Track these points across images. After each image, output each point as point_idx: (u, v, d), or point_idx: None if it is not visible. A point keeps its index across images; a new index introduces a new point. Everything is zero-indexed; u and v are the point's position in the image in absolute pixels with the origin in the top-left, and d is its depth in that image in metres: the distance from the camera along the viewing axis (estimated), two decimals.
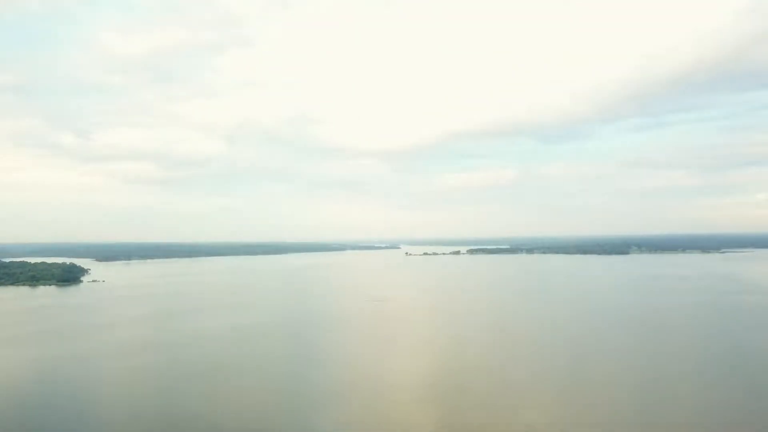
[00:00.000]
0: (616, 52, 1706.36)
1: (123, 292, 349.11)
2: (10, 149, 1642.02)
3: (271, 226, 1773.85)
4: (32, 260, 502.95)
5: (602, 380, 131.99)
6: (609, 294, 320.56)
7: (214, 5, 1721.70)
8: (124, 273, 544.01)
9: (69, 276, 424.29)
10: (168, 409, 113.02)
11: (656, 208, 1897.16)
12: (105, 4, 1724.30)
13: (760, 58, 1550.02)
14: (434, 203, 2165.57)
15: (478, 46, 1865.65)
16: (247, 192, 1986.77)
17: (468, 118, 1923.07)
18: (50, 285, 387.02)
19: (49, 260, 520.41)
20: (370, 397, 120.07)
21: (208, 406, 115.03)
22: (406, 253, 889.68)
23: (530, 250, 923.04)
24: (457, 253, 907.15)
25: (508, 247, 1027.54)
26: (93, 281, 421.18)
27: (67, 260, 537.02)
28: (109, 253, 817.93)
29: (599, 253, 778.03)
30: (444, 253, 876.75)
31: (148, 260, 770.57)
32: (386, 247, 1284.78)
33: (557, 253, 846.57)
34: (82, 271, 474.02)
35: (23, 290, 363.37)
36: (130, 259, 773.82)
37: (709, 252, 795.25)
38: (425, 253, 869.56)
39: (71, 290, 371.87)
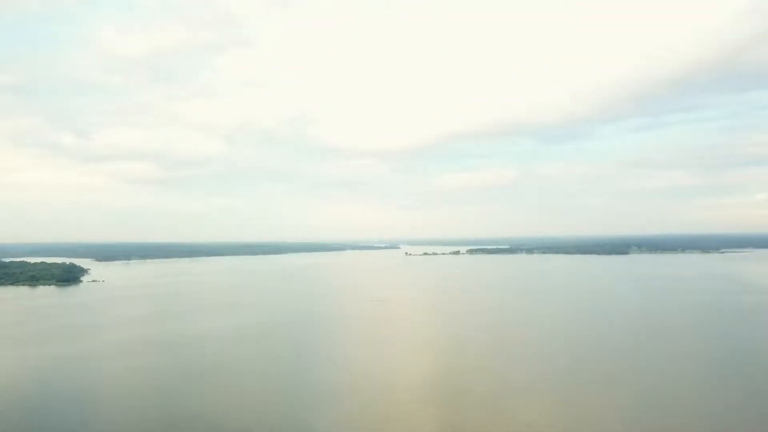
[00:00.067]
0: (616, 52, 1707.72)
1: (123, 292, 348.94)
2: (10, 149, 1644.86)
3: (271, 226, 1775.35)
4: (32, 260, 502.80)
5: (602, 380, 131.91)
6: (609, 294, 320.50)
7: (214, 5, 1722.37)
8: (124, 273, 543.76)
9: (69, 276, 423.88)
10: (168, 409, 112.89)
11: (656, 208, 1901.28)
12: (105, 4, 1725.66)
13: (760, 58, 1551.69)
14: (434, 203, 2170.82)
15: (478, 47, 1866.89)
16: (247, 192, 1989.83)
17: (468, 118, 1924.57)
18: (50, 285, 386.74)
19: (49, 260, 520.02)
20: (370, 398, 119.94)
21: (208, 406, 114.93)
22: (406, 253, 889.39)
23: (530, 250, 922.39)
24: (457, 253, 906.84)
25: (508, 247, 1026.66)
26: (93, 281, 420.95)
27: (67, 260, 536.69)
28: (108, 253, 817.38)
29: (599, 253, 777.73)
30: (444, 253, 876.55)
31: (148, 260, 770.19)
32: (386, 247, 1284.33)
33: (557, 253, 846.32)
34: (82, 271, 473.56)
35: (23, 290, 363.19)
36: (129, 259, 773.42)
37: (708, 252, 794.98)
38: (425, 253, 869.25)
39: (71, 290, 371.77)
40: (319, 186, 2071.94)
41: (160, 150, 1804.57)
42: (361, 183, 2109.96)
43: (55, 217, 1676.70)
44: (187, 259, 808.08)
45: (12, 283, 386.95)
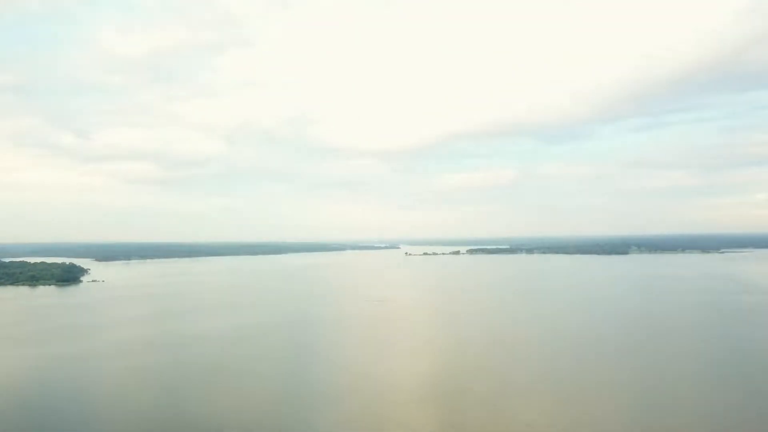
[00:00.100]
0: (616, 52, 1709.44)
1: (123, 292, 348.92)
2: (10, 149, 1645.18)
3: (271, 226, 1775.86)
4: (32, 260, 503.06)
5: (602, 380, 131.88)
6: (609, 294, 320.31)
7: (214, 5, 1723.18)
8: (124, 273, 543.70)
9: (69, 276, 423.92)
10: (168, 409, 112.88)
11: (656, 208, 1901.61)
12: (105, 4, 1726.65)
13: (760, 58, 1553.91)
14: (434, 203, 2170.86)
15: (478, 47, 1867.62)
16: (247, 192, 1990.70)
17: (468, 118, 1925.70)
18: (50, 285, 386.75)
19: (49, 260, 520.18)
20: (370, 398, 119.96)
21: (208, 406, 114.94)
22: (406, 253, 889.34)
23: (530, 250, 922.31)
24: (457, 253, 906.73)
25: (507, 247, 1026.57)
26: (93, 281, 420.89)
27: (67, 260, 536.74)
28: (108, 253, 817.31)
29: (599, 253, 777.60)
30: (444, 253, 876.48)
31: (148, 260, 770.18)
32: (386, 247, 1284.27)
33: (557, 253, 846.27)
34: (82, 271, 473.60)
35: (23, 290, 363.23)
36: (129, 259, 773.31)
37: (708, 252, 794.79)
38: (425, 253, 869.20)
39: (71, 290, 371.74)
40: (319, 186, 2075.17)
41: (160, 150, 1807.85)
42: (361, 183, 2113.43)
43: (55, 217, 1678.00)
44: (187, 259, 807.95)
45: (12, 283, 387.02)
